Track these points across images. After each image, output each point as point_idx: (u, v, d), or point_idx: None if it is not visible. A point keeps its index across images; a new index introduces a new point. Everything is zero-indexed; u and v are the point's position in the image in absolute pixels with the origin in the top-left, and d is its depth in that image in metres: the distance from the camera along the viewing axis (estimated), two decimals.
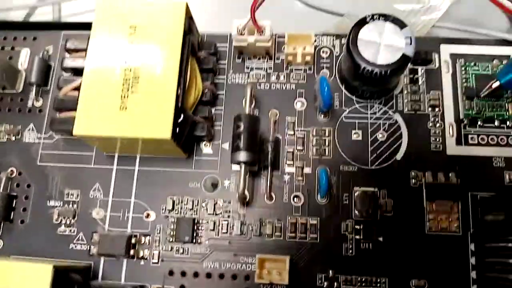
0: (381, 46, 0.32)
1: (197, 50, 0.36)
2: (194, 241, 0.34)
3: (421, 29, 0.40)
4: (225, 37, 0.39)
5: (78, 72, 0.35)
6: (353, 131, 0.36)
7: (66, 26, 0.40)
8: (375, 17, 0.33)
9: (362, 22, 0.33)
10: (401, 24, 0.33)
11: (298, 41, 0.37)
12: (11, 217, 0.36)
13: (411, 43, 0.32)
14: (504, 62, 0.37)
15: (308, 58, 0.37)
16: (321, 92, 0.34)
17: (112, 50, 0.33)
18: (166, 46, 0.33)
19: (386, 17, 0.33)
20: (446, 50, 0.38)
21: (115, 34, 0.34)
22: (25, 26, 0.41)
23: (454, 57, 0.38)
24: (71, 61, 0.36)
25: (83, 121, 0.32)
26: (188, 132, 0.34)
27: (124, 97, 0.32)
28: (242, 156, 0.33)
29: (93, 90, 0.33)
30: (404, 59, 0.32)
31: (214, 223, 0.35)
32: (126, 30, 0.34)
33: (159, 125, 0.31)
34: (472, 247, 0.33)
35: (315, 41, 0.38)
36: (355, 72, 0.33)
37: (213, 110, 0.37)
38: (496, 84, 0.35)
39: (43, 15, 0.45)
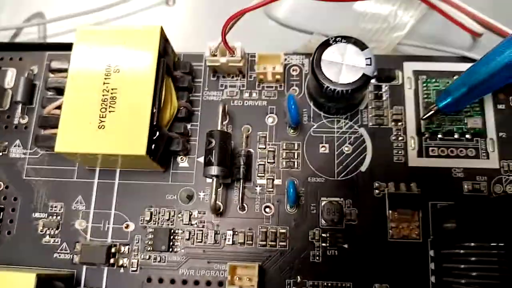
0: (343, 67, 0.34)
1: (173, 70, 0.38)
2: (170, 250, 0.36)
3: (387, 47, 0.42)
4: (200, 57, 0.41)
5: (61, 91, 0.37)
6: (321, 145, 0.38)
7: (51, 47, 0.42)
8: (337, 39, 0.35)
9: (325, 44, 0.35)
10: (362, 46, 0.35)
11: (268, 60, 0.38)
12: None
13: (371, 64, 0.34)
14: None
15: (278, 76, 0.39)
16: (288, 109, 0.36)
17: (91, 71, 0.35)
18: (142, 67, 0.35)
19: (348, 39, 0.35)
20: (409, 67, 0.40)
21: (93, 56, 0.36)
22: (12, 46, 0.43)
23: (417, 73, 0.39)
24: (54, 81, 0.38)
25: (64, 138, 0.34)
26: (164, 147, 0.36)
27: (102, 116, 0.34)
28: (214, 170, 0.34)
29: (73, 109, 0.34)
30: (364, 79, 0.34)
31: (190, 233, 0.37)
32: (105, 52, 0.36)
33: (135, 142, 0.33)
34: (431, 253, 0.35)
35: (285, 59, 0.40)
36: (320, 91, 0.35)
37: (189, 126, 0.39)
38: (435, 108, 0.37)
39: (29, 35, 0.47)
